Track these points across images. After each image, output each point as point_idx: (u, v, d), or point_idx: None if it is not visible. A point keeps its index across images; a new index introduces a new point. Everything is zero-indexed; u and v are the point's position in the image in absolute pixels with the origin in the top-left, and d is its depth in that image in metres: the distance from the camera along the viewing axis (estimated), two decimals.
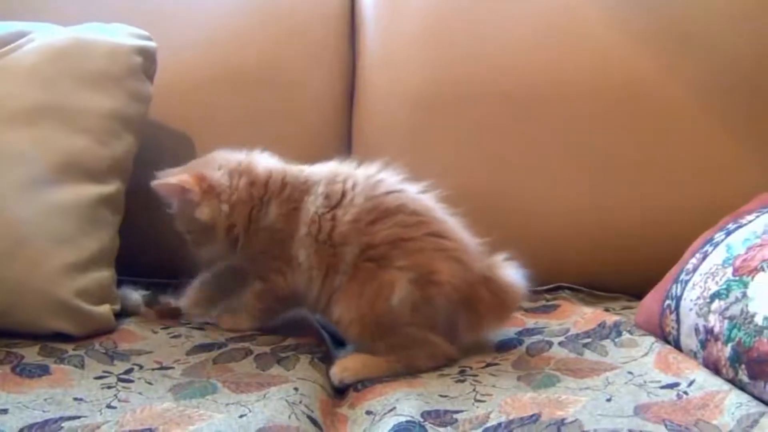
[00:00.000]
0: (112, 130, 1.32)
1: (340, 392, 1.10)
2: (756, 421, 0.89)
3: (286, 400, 0.97)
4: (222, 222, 1.21)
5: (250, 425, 0.90)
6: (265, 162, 1.27)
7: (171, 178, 1.21)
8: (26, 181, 1.22)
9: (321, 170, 1.24)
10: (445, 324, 1.14)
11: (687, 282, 1.14)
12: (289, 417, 0.93)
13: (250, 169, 1.24)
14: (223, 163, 1.25)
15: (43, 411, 0.95)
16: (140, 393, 1.01)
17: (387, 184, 1.20)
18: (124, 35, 1.38)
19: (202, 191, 1.20)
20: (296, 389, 1.01)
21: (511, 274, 1.20)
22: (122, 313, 1.29)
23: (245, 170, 1.23)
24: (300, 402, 0.97)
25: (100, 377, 1.07)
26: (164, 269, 1.46)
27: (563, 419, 0.93)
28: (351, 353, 1.18)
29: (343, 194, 1.18)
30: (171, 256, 1.46)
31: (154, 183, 1.21)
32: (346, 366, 1.12)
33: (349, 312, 1.14)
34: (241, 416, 0.93)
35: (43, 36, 1.35)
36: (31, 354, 1.13)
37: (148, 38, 1.41)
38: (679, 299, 1.14)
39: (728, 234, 1.16)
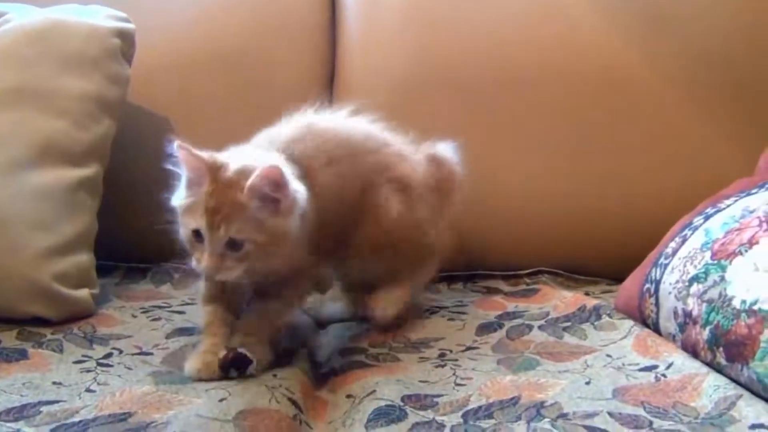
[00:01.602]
0: (90, 113, 1.31)
1: (320, 377, 1.10)
2: (733, 404, 0.90)
3: (266, 385, 0.97)
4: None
5: (230, 409, 0.90)
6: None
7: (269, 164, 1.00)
8: (3, 164, 1.21)
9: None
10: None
11: (666, 266, 1.15)
12: (270, 401, 0.93)
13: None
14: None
15: (21, 395, 0.94)
16: (119, 376, 1.01)
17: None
18: (102, 17, 1.37)
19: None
20: (275, 375, 1.01)
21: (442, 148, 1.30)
22: (101, 298, 1.28)
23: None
24: (280, 386, 0.97)
25: (79, 361, 1.06)
26: (140, 253, 1.46)
27: (543, 402, 0.93)
28: (375, 294, 1.22)
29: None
30: (147, 240, 1.45)
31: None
32: (381, 304, 1.19)
33: (366, 240, 1.18)
34: (221, 400, 0.92)
35: (20, 17, 1.34)
36: (8, 338, 1.12)
37: (127, 20, 1.39)
38: (658, 283, 1.15)
39: (707, 218, 1.16)
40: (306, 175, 1.08)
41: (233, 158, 1.03)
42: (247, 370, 1.00)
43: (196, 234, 1.01)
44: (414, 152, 1.27)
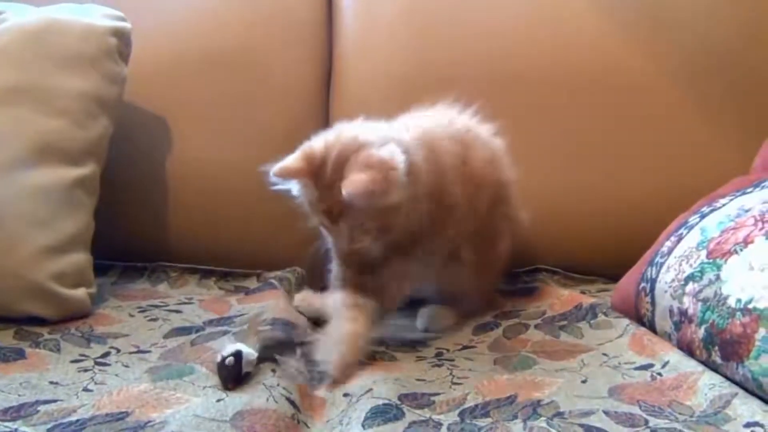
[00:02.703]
0: (87, 112, 1.31)
1: (318, 375, 1.10)
2: (728, 402, 0.90)
3: (264, 384, 0.97)
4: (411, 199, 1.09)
5: (227, 408, 0.90)
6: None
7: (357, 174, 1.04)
8: (0, 163, 1.21)
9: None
10: None
11: (662, 264, 1.15)
12: (267, 400, 0.93)
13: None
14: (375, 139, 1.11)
15: (18, 395, 0.94)
16: (117, 375, 1.01)
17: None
18: (98, 16, 1.37)
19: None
20: (273, 371, 1.01)
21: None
22: (98, 297, 1.28)
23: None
24: (278, 385, 0.97)
25: (77, 361, 1.06)
26: (137, 252, 1.46)
27: (539, 401, 0.94)
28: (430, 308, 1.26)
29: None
30: (144, 239, 1.46)
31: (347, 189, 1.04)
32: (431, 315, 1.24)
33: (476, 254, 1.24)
34: (218, 400, 0.93)
35: (17, 16, 1.33)
36: (5, 338, 1.12)
37: (123, 19, 1.39)
38: (654, 282, 1.15)
39: (703, 217, 1.17)
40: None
41: (334, 145, 1.08)
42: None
43: (325, 226, 1.12)
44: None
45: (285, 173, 1.08)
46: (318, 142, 1.10)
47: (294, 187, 1.12)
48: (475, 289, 1.27)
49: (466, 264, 1.23)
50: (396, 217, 1.08)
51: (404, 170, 1.05)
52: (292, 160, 1.08)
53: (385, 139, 1.08)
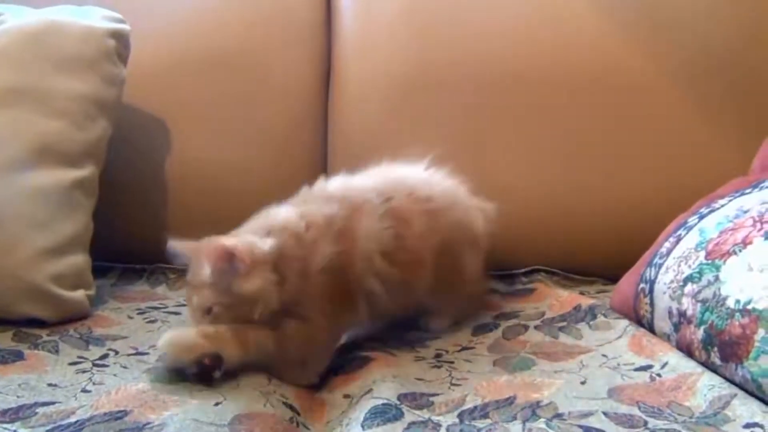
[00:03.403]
0: (86, 114, 1.31)
1: (319, 378, 1.10)
2: (728, 403, 0.90)
3: (260, 390, 0.97)
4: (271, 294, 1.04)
5: (225, 413, 0.90)
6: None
7: (219, 241, 1.04)
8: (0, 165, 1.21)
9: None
10: None
11: (661, 265, 1.15)
12: (264, 405, 0.93)
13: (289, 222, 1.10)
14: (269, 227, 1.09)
15: (17, 396, 0.94)
16: (115, 375, 1.01)
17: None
18: (97, 18, 1.37)
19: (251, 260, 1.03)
20: (269, 379, 1.01)
21: None
22: (97, 299, 1.28)
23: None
24: (274, 392, 0.97)
25: (75, 363, 1.06)
26: (136, 254, 1.46)
27: (538, 402, 0.94)
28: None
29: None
30: (144, 241, 1.45)
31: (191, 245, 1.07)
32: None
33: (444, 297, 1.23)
34: (216, 404, 0.93)
35: (15, 18, 1.33)
36: (4, 339, 1.12)
37: (122, 21, 1.39)
38: (653, 282, 1.15)
39: (701, 218, 1.16)
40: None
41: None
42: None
43: None
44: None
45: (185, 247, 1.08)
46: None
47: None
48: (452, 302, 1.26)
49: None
50: (252, 302, 1.03)
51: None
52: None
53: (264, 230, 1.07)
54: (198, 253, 1.05)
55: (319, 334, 1.08)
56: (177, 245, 1.08)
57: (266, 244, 1.04)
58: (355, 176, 1.21)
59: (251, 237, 1.05)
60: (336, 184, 1.19)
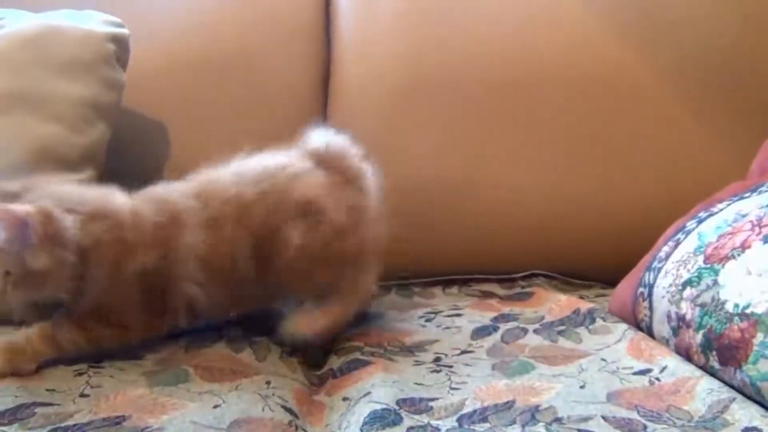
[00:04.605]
0: (85, 118, 1.31)
1: (317, 380, 1.10)
2: (726, 407, 0.90)
3: (259, 394, 0.97)
4: (63, 273, 1.02)
5: (224, 416, 0.90)
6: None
7: (13, 206, 0.99)
8: None
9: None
10: None
11: (660, 269, 1.15)
12: (263, 409, 0.93)
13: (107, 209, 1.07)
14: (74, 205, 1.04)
15: (15, 397, 0.94)
16: (111, 376, 1.01)
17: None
18: (96, 22, 1.37)
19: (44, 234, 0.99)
20: (268, 383, 1.01)
21: None
22: None
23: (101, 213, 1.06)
24: (273, 395, 0.97)
25: (71, 363, 1.05)
26: None
27: (537, 406, 0.93)
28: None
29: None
30: None
31: None
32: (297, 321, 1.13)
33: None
34: (215, 407, 0.93)
35: (15, 23, 1.33)
36: None
37: (121, 25, 1.40)
38: (651, 287, 1.15)
39: (700, 222, 1.17)
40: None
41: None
42: None
43: None
44: (299, 161, 1.19)
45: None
46: None
47: None
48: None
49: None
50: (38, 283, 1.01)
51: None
52: None
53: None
54: None
55: (135, 341, 1.09)
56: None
57: (67, 221, 1.00)
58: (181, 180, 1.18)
59: (57, 209, 1.01)
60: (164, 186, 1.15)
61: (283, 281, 1.14)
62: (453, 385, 1.02)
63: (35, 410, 0.91)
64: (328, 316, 1.16)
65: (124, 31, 1.39)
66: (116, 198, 1.09)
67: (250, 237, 1.12)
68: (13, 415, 0.90)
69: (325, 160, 1.18)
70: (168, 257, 1.08)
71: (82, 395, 0.96)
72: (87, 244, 1.02)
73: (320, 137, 1.21)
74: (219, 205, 1.12)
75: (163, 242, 1.08)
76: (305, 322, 1.14)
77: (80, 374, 1.02)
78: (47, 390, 0.98)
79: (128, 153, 1.43)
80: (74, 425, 0.88)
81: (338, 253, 1.14)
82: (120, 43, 1.38)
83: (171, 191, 1.13)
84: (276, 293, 1.18)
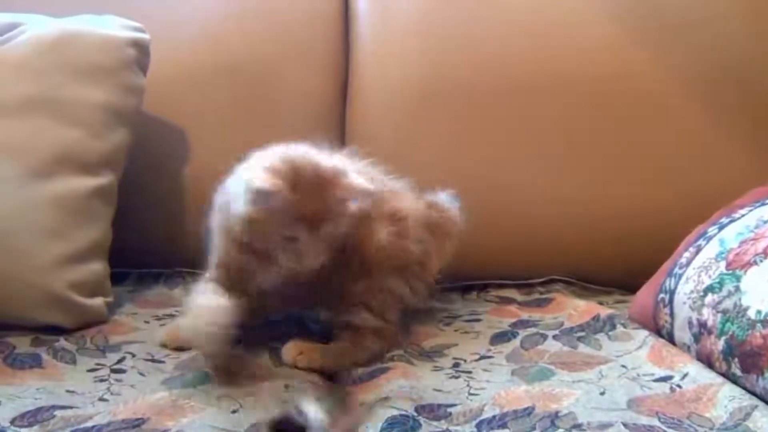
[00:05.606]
0: (105, 123, 1.31)
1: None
2: (748, 414, 0.89)
3: (277, 399, 0.97)
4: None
5: (242, 421, 0.91)
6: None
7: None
8: (18, 173, 1.22)
9: None
10: None
11: (681, 276, 1.15)
12: None
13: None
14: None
15: (35, 399, 0.95)
16: (132, 386, 1.01)
17: None
18: (117, 27, 1.38)
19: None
20: (286, 386, 1.01)
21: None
22: (114, 304, 1.28)
23: None
24: (291, 400, 0.97)
25: (93, 369, 1.06)
26: (153, 261, 1.46)
27: (557, 412, 0.93)
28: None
29: None
30: (162, 247, 1.46)
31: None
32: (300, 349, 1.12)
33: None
34: (233, 411, 0.93)
35: (35, 28, 1.34)
36: (23, 345, 1.12)
37: (142, 30, 1.40)
38: (672, 293, 1.15)
39: (721, 228, 1.16)
40: None
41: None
42: None
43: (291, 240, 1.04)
44: (412, 196, 1.24)
45: (277, 188, 1.00)
46: (274, 161, 1.05)
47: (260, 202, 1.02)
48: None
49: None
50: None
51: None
52: (270, 177, 1.01)
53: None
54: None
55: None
56: None
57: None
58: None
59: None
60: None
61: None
62: (472, 391, 1.02)
63: (54, 413, 0.92)
64: (332, 355, 1.13)
65: (145, 36, 1.40)
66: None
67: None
68: (33, 417, 0.91)
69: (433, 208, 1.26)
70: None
71: (102, 399, 0.97)
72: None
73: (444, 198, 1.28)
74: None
75: None
76: (308, 356, 1.11)
77: (101, 380, 1.03)
78: (67, 391, 0.98)
79: (147, 156, 1.44)
80: (93, 427, 0.88)
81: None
82: (140, 48, 1.38)
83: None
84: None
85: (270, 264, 1.05)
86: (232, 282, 1.09)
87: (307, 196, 1.01)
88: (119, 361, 1.09)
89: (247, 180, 1.01)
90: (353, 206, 1.05)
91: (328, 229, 1.03)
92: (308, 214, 1.01)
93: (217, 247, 1.12)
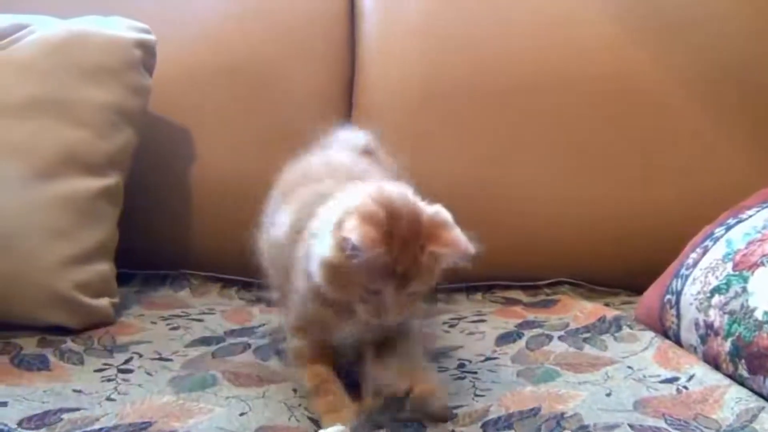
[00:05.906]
0: (111, 123, 1.31)
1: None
2: (755, 416, 0.89)
3: (285, 403, 0.97)
4: None
5: (250, 423, 0.91)
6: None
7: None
8: (24, 174, 1.22)
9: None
10: None
11: (687, 277, 1.14)
12: (289, 419, 0.94)
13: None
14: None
15: (43, 402, 0.95)
16: (140, 385, 1.01)
17: None
18: (123, 28, 1.38)
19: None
20: (295, 390, 1.01)
21: None
22: (120, 306, 1.29)
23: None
24: (300, 405, 0.97)
25: (100, 369, 1.07)
26: (160, 261, 1.46)
27: (563, 413, 0.93)
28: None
29: None
30: (167, 248, 1.46)
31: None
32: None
33: None
34: (241, 414, 0.93)
35: (42, 29, 1.35)
36: (29, 345, 1.13)
37: (148, 31, 1.40)
38: (679, 294, 1.14)
39: (728, 229, 1.16)
40: None
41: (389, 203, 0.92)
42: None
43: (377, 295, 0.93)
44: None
45: (372, 243, 0.87)
46: (368, 205, 0.91)
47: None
48: None
49: None
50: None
51: None
52: (366, 229, 0.87)
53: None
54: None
55: None
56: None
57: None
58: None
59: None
60: None
61: None
62: (477, 392, 1.02)
63: (62, 416, 0.92)
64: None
65: (151, 37, 1.40)
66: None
67: None
68: (41, 420, 0.91)
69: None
70: None
71: (109, 399, 0.97)
72: None
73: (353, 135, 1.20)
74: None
75: None
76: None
77: (109, 380, 1.03)
78: (74, 391, 0.99)
79: (152, 156, 1.44)
80: (100, 429, 0.88)
81: None
82: (146, 48, 1.39)
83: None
84: None
85: (347, 316, 0.95)
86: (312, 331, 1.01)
87: (402, 252, 0.89)
88: (127, 361, 1.09)
89: (337, 226, 0.89)
90: (448, 263, 0.93)
91: (416, 288, 0.92)
92: (399, 270, 0.89)
93: (296, 294, 1.00)
